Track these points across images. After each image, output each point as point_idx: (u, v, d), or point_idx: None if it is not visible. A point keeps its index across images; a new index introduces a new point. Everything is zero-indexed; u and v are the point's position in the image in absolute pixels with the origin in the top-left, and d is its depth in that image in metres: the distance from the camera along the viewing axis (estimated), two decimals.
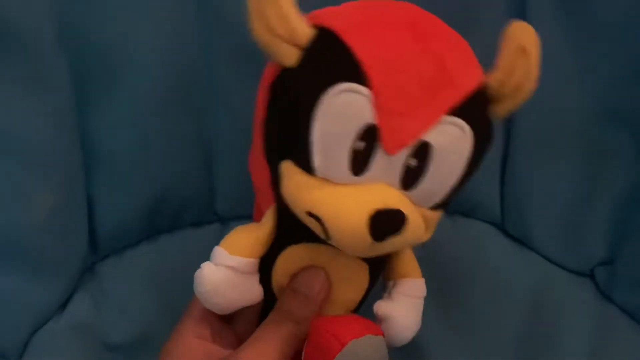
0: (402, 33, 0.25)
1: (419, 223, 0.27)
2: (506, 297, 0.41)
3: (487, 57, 0.38)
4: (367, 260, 0.30)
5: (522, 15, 0.37)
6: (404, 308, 0.31)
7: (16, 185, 0.31)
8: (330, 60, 0.25)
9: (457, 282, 0.41)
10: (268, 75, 0.27)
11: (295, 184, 0.26)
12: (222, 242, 0.29)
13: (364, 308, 0.32)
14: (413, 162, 0.26)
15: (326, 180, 0.26)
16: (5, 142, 0.30)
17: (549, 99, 0.37)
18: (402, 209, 0.25)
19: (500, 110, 0.27)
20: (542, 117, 0.38)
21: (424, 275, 0.33)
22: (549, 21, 0.36)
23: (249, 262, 0.29)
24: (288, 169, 0.26)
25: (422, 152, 0.25)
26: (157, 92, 0.34)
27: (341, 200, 0.25)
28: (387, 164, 0.25)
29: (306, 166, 0.26)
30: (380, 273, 0.32)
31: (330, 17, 0.26)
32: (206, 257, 0.33)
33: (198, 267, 0.31)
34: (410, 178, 0.26)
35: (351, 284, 0.31)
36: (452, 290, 0.41)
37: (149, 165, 0.36)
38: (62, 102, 0.32)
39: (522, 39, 0.27)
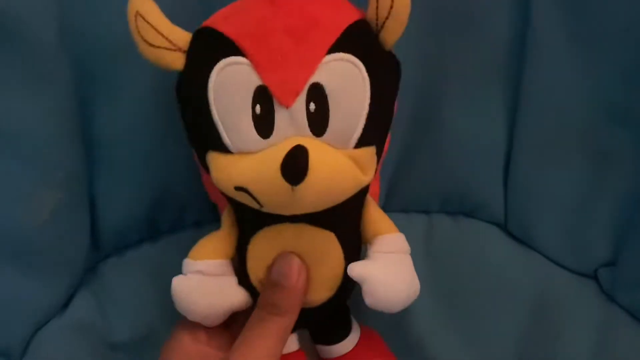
0: (261, 6, 0.28)
1: (345, 166, 0.27)
2: (509, 298, 0.41)
3: (493, 60, 0.38)
4: (330, 228, 0.30)
5: (526, 18, 0.36)
6: (381, 266, 0.30)
7: (19, 185, 0.31)
8: (207, 48, 0.28)
9: (460, 283, 0.41)
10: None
11: (218, 166, 0.28)
12: (188, 254, 0.31)
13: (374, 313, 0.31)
14: (312, 107, 0.27)
15: (243, 153, 0.27)
16: (7, 141, 0.30)
17: (553, 100, 0.37)
18: (312, 148, 0.26)
19: (388, 36, 0.28)
20: (545, 118, 0.38)
21: (426, 275, 0.33)
22: (553, 23, 0.36)
23: (216, 262, 0.31)
24: (211, 157, 0.28)
25: (317, 94, 0.27)
26: (159, 92, 0.34)
27: (257, 161, 0.27)
28: (290, 117, 0.27)
29: (221, 147, 0.27)
30: (357, 243, 0.32)
31: (207, 19, 0.29)
32: None
33: None
34: (316, 122, 0.27)
35: (325, 258, 0.31)
36: (455, 290, 0.41)
37: (151, 165, 0.36)
38: (64, 102, 0.32)
39: None
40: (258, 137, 0.27)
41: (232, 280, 0.31)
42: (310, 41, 0.27)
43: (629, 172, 0.38)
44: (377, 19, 0.28)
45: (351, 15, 0.28)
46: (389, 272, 0.30)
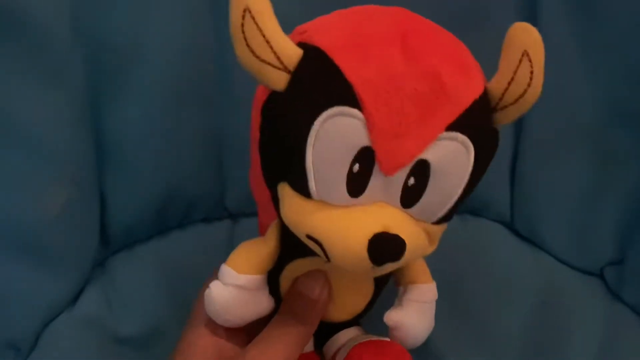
0: (393, 49, 0.24)
1: (421, 241, 0.27)
2: (515, 296, 0.41)
3: (497, 58, 0.38)
4: None
5: (533, 16, 0.37)
6: (414, 315, 0.31)
7: (30, 180, 0.31)
8: (320, 83, 0.24)
9: (467, 281, 0.41)
10: (260, 94, 0.26)
11: (293, 208, 0.26)
12: (229, 260, 0.29)
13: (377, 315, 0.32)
14: (411, 181, 0.25)
15: (324, 203, 0.25)
16: (18, 136, 0.30)
17: (559, 99, 0.37)
18: (402, 232, 0.25)
19: (503, 119, 0.26)
20: (552, 117, 0.38)
21: (432, 273, 0.33)
22: (560, 21, 0.36)
23: (257, 278, 0.29)
24: (286, 191, 0.26)
25: (421, 170, 0.25)
26: (169, 89, 0.35)
27: (340, 224, 0.25)
28: (385, 185, 0.25)
29: (303, 190, 0.25)
30: (387, 279, 0.32)
31: (318, 32, 0.25)
32: (216, 253, 0.34)
33: (208, 262, 0.32)
34: (410, 196, 0.25)
35: (356, 292, 0.31)
36: (461, 289, 0.41)
37: (160, 161, 0.36)
38: (76, 98, 0.32)
39: (525, 42, 0.25)
40: (346, 194, 0.25)
41: (266, 291, 0.30)
42: (436, 116, 0.24)
43: (634, 171, 0.38)
44: (501, 99, 0.25)
45: (478, 85, 0.25)
46: (420, 322, 0.32)
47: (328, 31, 0.25)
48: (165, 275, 0.38)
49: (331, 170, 0.24)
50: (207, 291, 0.29)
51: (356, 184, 0.25)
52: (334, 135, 0.24)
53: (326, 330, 0.34)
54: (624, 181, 0.39)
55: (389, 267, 0.25)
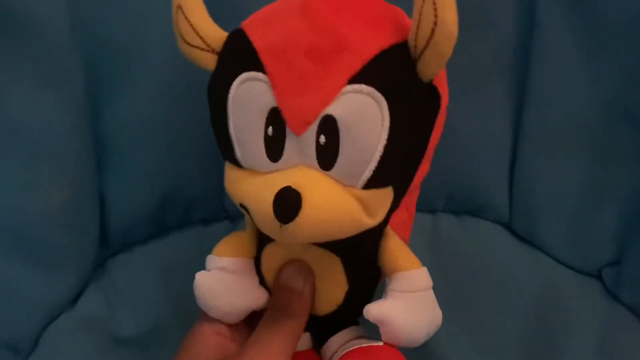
0: (294, 15, 0.25)
1: (347, 206, 0.25)
2: (513, 297, 0.41)
3: (499, 59, 0.38)
4: (337, 252, 0.29)
5: (532, 17, 0.37)
6: (401, 307, 0.29)
7: (29, 180, 0.31)
8: (234, 55, 0.27)
9: (465, 281, 0.41)
10: None
11: (229, 178, 0.28)
12: (212, 251, 0.31)
13: None
14: (322, 139, 0.25)
15: (252, 171, 0.27)
16: (18, 136, 0.31)
17: (558, 99, 0.38)
18: (312, 189, 0.24)
19: (425, 69, 0.24)
20: (550, 117, 0.38)
21: (431, 274, 0.31)
22: (559, 21, 0.36)
23: (238, 260, 0.30)
24: (227, 167, 0.28)
25: (329, 126, 0.24)
26: (168, 90, 0.35)
27: (258, 187, 0.26)
28: (299, 146, 0.25)
29: (233, 160, 0.27)
30: (370, 272, 0.31)
31: (250, 16, 0.28)
32: None
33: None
34: (325, 156, 0.25)
35: (327, 277, 0.30)
36: (459, 289, 0.41)
37: (159, 162, 0.36)
38: (75, 98, 0.32)
39: None
40: (267, 159, 0.26)
41: (254, 279, 0.31)
42: (333, 67, 0.24)
43: (633, 171, 0.38)
44: (415, 47, 0.24)
45: (389, 38, 0.24)
46: (409, 314, 0.28)
47: (255, 13, 0.28)
48: (164, 276, 0.38)
49: (249, 135, 0.26)
50: (194, 282, 0.30)
51: (273, 147, 0.26)
52: (246, 99, 0.26)
53: (324, 330, 0.33)
54: (623, 182, 0.39)
55: (298, 231, 0.24)
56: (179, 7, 0.27)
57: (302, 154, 0.25)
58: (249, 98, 0.26)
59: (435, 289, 0.33)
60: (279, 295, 0.30)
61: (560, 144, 0.39)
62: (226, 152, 0.27)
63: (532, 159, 0.40)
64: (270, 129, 0.25)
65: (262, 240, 0.31)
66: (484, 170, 0.40)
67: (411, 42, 0.24)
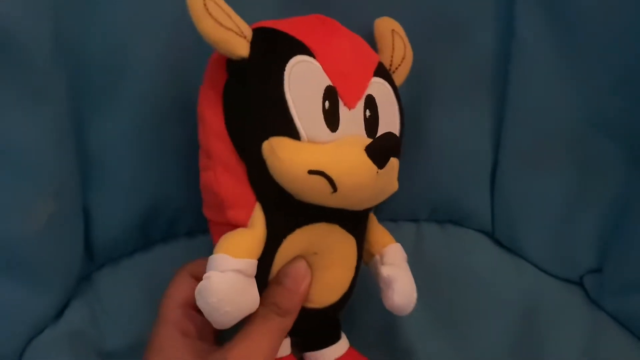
0: (315, 23, 0.31)
1: (396, 163, 0.29)
2: (497, 305, 0.41)
3: (480, 72, 0.38)
4: (354, 234, 0.32)
5: (511, 29, 0.37)
6: (403, 269, 0.34)
7: (12, 196, 0.31)
8: (278, 43, 0.29)
9: (448, 290, 0.41)
10: (215, 84, 0.30)
11: (289, 150, 0.28)
12: (219, 248, 0.28)
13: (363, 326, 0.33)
14: (368, 113, 0.31)
15: (312, 142, 0.28)
16: (2, 153, 0.30)
17: (538, 111, 0.38)
18: None
19: (396, 78, 0.34)
20: (530, 128, 0.39)
21: (415, 283, 0.34)
22: (538, 33, 0.37)
23: (254, 263, 0.28)
24: (274, 143, 0.28)
25: (371, 103, 0.31)
26: (152, 104, 0.35)
27: (336, 149, 0.28)
28: (352, 118, 0.30)
29: (293, 133, 0.28)
30: (362, 253, 0.34)
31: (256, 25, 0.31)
32: None
33: None
34: (371, 127, 0.31)
35: (343, 261, 0.33)
36: (443, 297, 0.41)
37: (144, 176, 0.36)
38: (59, 114, 0.32)
39: (390, 25, 0.35)
40: (327, 129, 0.29)
41: (255, 283, 0.29)
42: (366, 60, 0.32)
43: (614, 180, 0.39)
44: (391, 65, 0.34)
45: (377, 55, 0.33)
46: (408, 276, 0.34)
47: (259, 23, 0.31)
48: (150, 289, 0.38)
49: (310, 108, 0.29)
50: (203, 283, 0.27)
51: (332, 119, 0.29)
52: (303, 77, 0.29)
53: (311, 339, 0.34)
54: (603, 190, 0.39)
55: (387, 175, 0.29)
56: None
57: (354, 125, 0.30)
58: (305, 77, 0.29)
59: (419, 297, 0.33)
60: (275, 292, 0.30)
61: (541, 154, 0.39)
62: (279, 127, 0.28)
63: (513, 169, 0.40)
64: (327, 103, 0.29)
65: (275, 237, 0.30)
66: (467, 180, 0.41)
67: (386, 62, 0.34)
